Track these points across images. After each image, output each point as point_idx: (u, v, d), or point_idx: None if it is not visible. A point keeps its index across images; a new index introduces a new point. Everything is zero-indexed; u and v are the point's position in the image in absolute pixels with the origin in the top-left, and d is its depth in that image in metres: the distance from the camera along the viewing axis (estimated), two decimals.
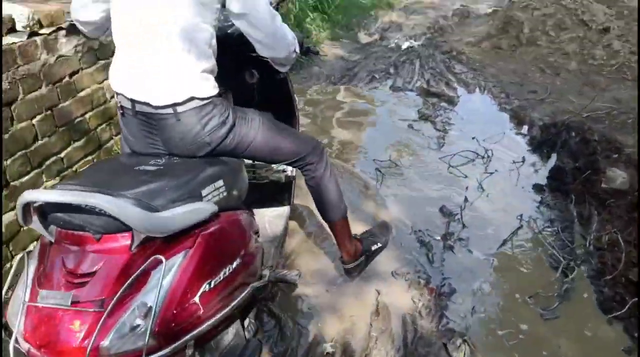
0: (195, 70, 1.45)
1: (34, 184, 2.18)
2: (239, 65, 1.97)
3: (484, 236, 2.77)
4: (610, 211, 2.84)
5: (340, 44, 6.22)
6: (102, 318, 1.05)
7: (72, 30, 2.40)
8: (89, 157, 2.63)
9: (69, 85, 2.43)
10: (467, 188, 3.23)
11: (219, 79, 1.55)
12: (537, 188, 3.25)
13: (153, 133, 1.53)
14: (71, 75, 2.44)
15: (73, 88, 2.46)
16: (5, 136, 2.03)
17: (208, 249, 1.25)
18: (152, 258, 1.12)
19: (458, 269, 2.49)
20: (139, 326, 1.09)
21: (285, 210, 2.29)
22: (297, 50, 1.74)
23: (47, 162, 2.31)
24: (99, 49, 2.63)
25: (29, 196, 1.13)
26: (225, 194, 1.42)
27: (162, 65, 1.44)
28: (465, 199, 3.08)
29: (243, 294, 1.40)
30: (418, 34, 7.01)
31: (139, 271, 1.11)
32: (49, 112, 2.29)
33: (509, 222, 2.87)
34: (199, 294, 1.19)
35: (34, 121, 2.20)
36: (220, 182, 1.41)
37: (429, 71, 5.45)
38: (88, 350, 1.03)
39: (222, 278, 1.28)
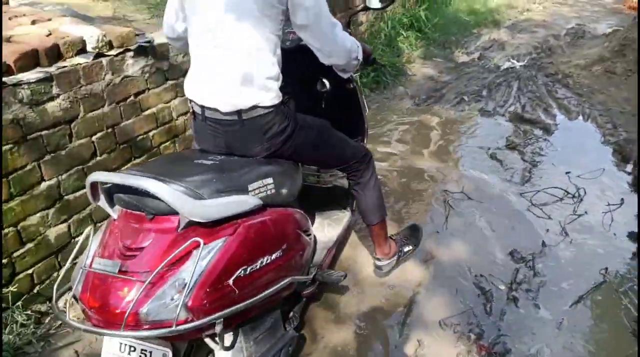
0: (260, 79, 1.59)
1: (87, 200, 2.28)
2: (309, 74, 2.07)
3: (557, 289, 2.44)
4: None
5: (432, 64, 5.95)
6: (143, 287, 1.21)
7: (141, 52, 2.51)
8: None
9: (134, 104, 2.53)
10: (547, 231, 2.88)
11: (284, 86, 1.65)
12: (632, 237, 2.80)
13: (219, 135, 1.68)
14: (137, 94, 2.53)
15: (138, 107, 2.56)
16: (63, 152, 2.15)
17: (247, 238, 1.40)
18: (192, 240, 1.25)
19: (518, 326, 2.20)
20: (174, 298, 1.24)
21: (345, 215, 2.38)
22: (360, 58, 1.84)
23: None
24: (168, 70, 2.71)
25: (95, 176, 1.34)
26: (273, 191, 1.56)
27: (229, 75, 1.58)
28: (543, 244, 2.75)
29: (280, 285, 1.51)
30: (522, 54, 6.51)
31: (178, 250, 1.26)
32: (110, 129, 2.39)
33: (591, 276, 2.50)
34: (233, 277, 1.32)
35: (93, 138, 2.31)
36: (270, 180, 1.56)
37: (526, 95, 5.02)
38: (127, 314, 1.19)
39: (258, 267, 1.41)
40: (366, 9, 2.14)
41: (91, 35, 2.28)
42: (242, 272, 1.35)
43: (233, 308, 1.32)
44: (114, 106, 2.40)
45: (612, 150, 3.86)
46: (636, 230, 2.84)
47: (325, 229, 2.28)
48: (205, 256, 1.28)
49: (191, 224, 1.32)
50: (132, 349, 1.42)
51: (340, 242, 2.40)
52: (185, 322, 1.25)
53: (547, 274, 2.53)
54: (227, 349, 1.40)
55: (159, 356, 1.41)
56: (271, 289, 1.47)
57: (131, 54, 2.45)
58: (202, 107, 1.66)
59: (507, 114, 4.57)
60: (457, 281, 2.47)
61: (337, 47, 1.71)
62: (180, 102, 2.84)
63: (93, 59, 2.25)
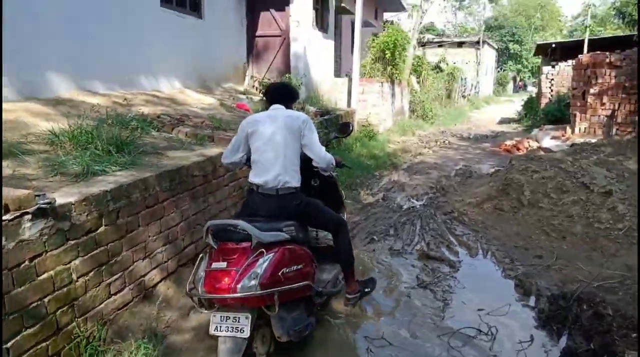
0: (292, 172, 3.01)
1: None
2: (308, 175, 3.32)
3: None
4: None
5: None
6: (236, 277, 2.47)
7: (40, 214, 2.37)
8: (42, 344, 2.41)
9: (28, 270, 2.31)
10: None
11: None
12: None
13: (264, 203, 2.98)
14: (32, 259, 2.33)
15: (33, 272, 2.34)
16: None
17: (284, 254, 2.69)
18: (259, 251, 2.57)
19: None
20: (252, 281, 2.49)
21: (335, 267, 3.47)
22: (333, 164, 3.23)
23: None
24: (69, 230, 2.57)
25: (208, 223, 2.65)
26: (294, 233, 2.87)
27: (274, 168, 2.96)
28: None
29: (302, 284, 2.77)
30: (420, 194, 7.05)
31: (253, 256, 2.55)
32: None
33: None
34: (279, 273, 2.61)
35: None
36: (292, 227, 2.87)
37: (429, 233, 5.32)
38: (230, 289, 2.45)
39: (291, 270, 2.71)
40: (335, 138, 4.19)
41: None
42: (284, 270, 2.66)
43: (280, 288, 2.58)
44: (5, 273, 2.17)
45: (514, 285, 4.09)
46: None
47: (323, 273, 3.40)
48: (266, 260, 2.58)
49: (258, 244, 2.60)
50: (227, 318, 2.57)
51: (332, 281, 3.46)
52: (260, 294, 2.50)
53: None
54: (276, 315, 2.63)
55: (243, 318, 2.56)
56: (299, 284, 2.74)
57: (29, 216, 2.30)
58: (257, 185, 3.01)
59: (415, 253, 4.77)
60: None
61: (323, 159, 3.11)
62: (81, 262, 2.65)
63: None
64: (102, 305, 2.84)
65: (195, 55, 7.72)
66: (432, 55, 26.88)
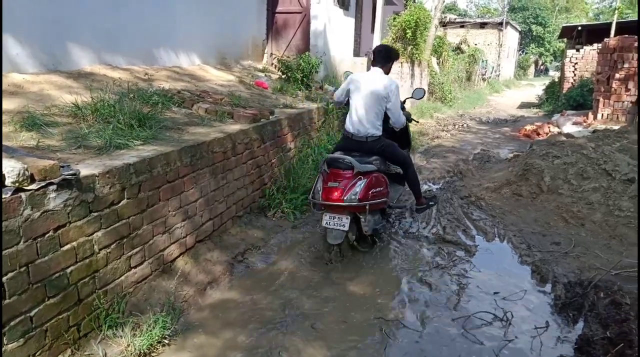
0: (377, 125, 4.26)
1: None
2: (388, 125, 4.55)
3: None
4: None
5: None
6: (343, 192, 3.90)
7: (65, 185, 2.40)
8: (64, 314, 2.47)
9: (52, 240, 2.35)
10: None
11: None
12: None
13: (358, 145, 4.29)
14: (56, 229, 2.37)
15: (57, 242, 2.38)
16: None
17: (372, 179, 4.04)
18: (357, 177, 3.96)
19: None
20: (353, 196, 3.89)
21: (401, 187, 4.98)
22: (404, 122, 4.47)
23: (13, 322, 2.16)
24: (93, 201, 2.60)
25: (327, 156, 4.26)
26: (378, 165, 4.24)
27: (364, 123, 4.23)
28: None
29: (382, 200, 4.16)
30: (437, 178, 7.01)
31: (354, 180, 3.95)
32: (23, 268, 2.19)
33: None
34: (369, 192, 3.98)
35: (3, 279, 2.09)
36: (377, 161, 4.24)
37: (446, 216, 5.30)
38: (340, 200, 3.89)
39: (376, 190, 4.06)
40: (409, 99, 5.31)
41: (11, 169, 2.16)
42: (372, 190, 4.00)
43: (370, 202, 3.95)
44: (29, 243, 2.22)
45: (530, 271, 4.06)
46: (564, 354, 2.91)
47: (393, 192, 4.67)
48: (362, 183, 3.93)
49: (357, 172, 3.94)
50: (334, 217, 3.93)
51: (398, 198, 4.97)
52: (357, 204, 3.89)
53: None
54: (365, 218, 4.00)
55: (344, 218, 3.91)
56: (380, 200, 4.12)
57: (54, 187, 2.34)
58: (351, 133, 4.29)
59: (431, 236, 4.76)
60: None
61: (398, 121, 4.40)
62: (103, 235, 2.70)
63: (12, 194, 2.11)
64: (122, 278, 2.89)
65: (215, 32, 7.68)
66: (454, 36, 26.42)
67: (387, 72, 4.34)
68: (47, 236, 2.32)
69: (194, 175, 3.60)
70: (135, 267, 3.01)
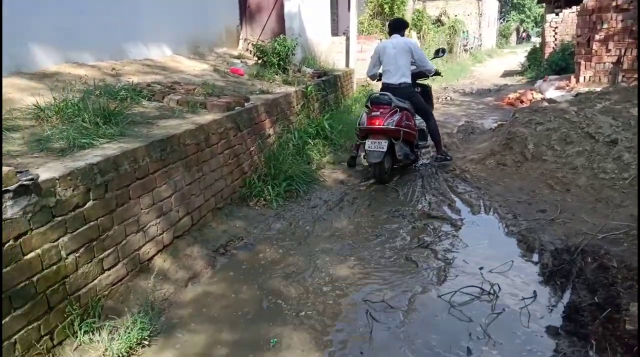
0: (406, 74, 5.81)
1: None
2: (417, 76, 6.20)
3: None
4: None
5: (341, 168, 6.13)
6: (384, 119, 5.37)
7: (22, 191, 2.29)
8: (34, 324, 2.38)
9: (13, 249, 2.25)
10: (470, 335, 2.82)
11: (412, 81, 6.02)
12: (551, 332, 2.81)
13: (393, 91, 5.69)
14: (16, 238, 2.27)
15: (18, 251, 2.28)
16: None
17: (404, 114, 5.58)
18: (394, 110, 5.46)
19: None
20: (390, 123, 5.36)
21: (427, 142, 6.38)
22: (433, 71, 6.10)
23: None
24: (55, 206, 2.50)
25: (371, 94, 6.01)
26: (409, 107, 5.77)
27: (396, 72, 5.79)
28: (468, 351, 2.68)
29: (411, 132, 5.68)
30: (421, 153, 6.93)
31: (391, 111, 5.45)
32: None
33: None
34: (402, 122, 5.47)
35: None
36: (408, 103, 5.78)
37: (431, 192, 5.24)
38: (380, 124, 5.36)
39: (408, 123, 5.60)
40: (435, 57, 6.75)
41: None
42: (405, 122, 5.51)
43: (403, 129, 5.42)
44: None
45: (516, 241, 4.02)
46: (552, 324, 2.88)
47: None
48: (398, 114, 5.43)
49: (395, 107, 5.46)
50: (374, 141, 5.33)
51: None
52: (394, 128, 5.33)
53: None
54: (399, 144, 5.42)
55: (383, 142, 5.31)
56: (411, 131, 5.64)
57: (10, 194, 2.23)
58: (387, 83, 5.83)
59: (416, 213, 4.70)
60: None
61: (428, 64, 5.99)
62: (70, 239, 2.60)
63: None
64: (95, 281, 2.80)
65: (186, 21, 7.48)
66: (433, 8, 26.11)
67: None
68: (7, 245, 2.22)
69: (165, 171, 3.49)
70: (108, 269, 2.91)
